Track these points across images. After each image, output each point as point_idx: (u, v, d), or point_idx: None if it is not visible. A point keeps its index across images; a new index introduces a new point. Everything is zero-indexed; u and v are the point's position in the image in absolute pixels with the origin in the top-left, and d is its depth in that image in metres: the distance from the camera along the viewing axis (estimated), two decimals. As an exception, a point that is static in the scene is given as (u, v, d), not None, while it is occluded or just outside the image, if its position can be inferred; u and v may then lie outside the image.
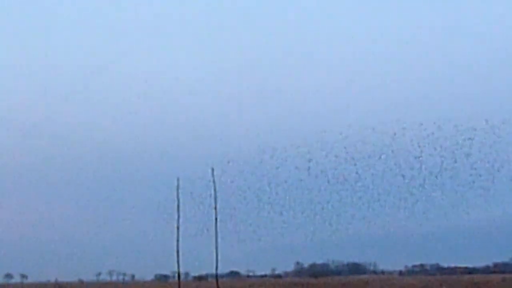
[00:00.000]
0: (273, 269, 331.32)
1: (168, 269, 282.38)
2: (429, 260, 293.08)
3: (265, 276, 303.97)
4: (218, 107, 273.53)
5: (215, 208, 34.49)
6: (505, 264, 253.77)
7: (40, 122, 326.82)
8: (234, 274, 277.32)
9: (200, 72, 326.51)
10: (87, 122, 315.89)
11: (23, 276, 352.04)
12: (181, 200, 34.96)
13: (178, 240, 34.03)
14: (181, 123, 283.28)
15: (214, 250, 33.86)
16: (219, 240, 33.91)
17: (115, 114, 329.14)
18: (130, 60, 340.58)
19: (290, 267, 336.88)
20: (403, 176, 37.15)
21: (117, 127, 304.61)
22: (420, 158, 37.32)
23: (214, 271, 34.55)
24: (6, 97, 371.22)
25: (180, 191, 35.09)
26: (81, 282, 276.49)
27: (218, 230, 34.09)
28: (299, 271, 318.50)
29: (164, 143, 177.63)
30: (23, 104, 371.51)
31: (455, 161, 39.12)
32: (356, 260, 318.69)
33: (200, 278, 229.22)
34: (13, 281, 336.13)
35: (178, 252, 34.02)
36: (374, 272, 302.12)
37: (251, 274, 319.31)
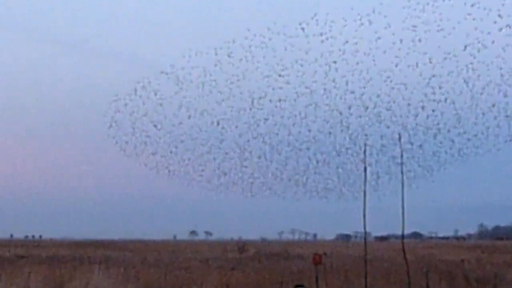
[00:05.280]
0: (456, 231, 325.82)
1: (350, 229, 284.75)
2: None
3: (448, 238, 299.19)
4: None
5: (402, 173, 33.59)
6: None
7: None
8: (416, 235, 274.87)
9: None
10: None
11: (208, 233, 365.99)
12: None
13: (364, 203, 33.42)
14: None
15: (400, 211, 33.01)
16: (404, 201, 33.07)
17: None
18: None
19: (474, 229, 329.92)
20: None
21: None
22: None
23: (395, 232, 33.73)
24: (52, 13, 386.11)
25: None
26: (263, 240, 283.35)
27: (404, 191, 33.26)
28: (483, 233, 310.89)
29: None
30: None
31: None
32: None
33: (382, 238, 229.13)
34: (197, 238, 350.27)
35: (364, 215, 33.42)
36: None
37: (433, 235, 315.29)
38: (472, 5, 30.99)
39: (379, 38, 32.53)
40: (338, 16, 32.55)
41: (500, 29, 31.35)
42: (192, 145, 36.51)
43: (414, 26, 32.09)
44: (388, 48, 32.69)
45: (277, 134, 35.59)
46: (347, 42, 32.72)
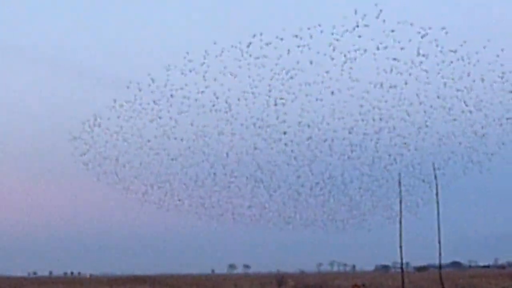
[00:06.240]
0: (496, 259, 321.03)
1: (389, 259, 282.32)
2: None
3: (488, 266, 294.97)
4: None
5: (437, 203, 33.72)
6: None
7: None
8: (456, 264, 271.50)
9: None
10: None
11: (246, 266, 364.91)
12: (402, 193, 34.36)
13: (401, 235, 33.48)
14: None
15: (437, 240, 33.06)
16: (441, 229, 33.14)
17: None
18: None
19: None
20: None
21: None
22: None
23: (434, 262, 33.82)
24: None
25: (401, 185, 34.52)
26: (302, 272, 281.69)
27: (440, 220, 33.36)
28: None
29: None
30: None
31: None
32: None
33: (420, 268, 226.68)
34: (236, 271, 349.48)
35: (401, 247, 33.52)
36: None
37: (473, 264, 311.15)
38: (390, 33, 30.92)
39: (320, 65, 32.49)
40: (275, 39, 32.41)
41: (421, 61, 31.35)
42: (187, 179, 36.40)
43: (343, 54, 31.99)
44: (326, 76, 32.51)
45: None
46: (289, 71, 32.57)
